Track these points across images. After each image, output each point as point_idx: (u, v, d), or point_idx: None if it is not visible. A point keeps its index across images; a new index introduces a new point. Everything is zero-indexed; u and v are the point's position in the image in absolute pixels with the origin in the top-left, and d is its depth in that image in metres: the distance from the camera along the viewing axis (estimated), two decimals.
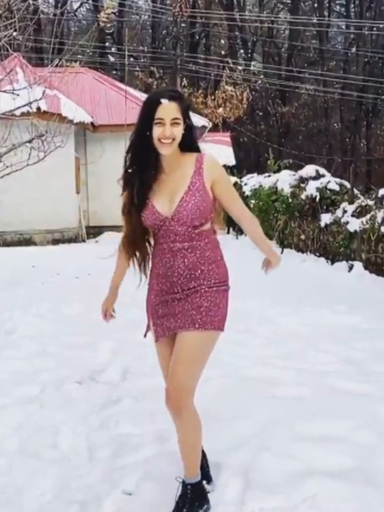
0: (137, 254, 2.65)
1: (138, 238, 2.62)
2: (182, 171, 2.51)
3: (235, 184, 16.93)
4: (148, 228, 2.58)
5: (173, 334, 2.55)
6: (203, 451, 2.82)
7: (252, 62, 35.49)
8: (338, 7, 37.29)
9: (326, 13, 34.32)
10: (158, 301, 2.59)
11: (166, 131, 2.42)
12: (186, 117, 2.51)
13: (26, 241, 15.20)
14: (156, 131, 2.43)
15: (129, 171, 2.54)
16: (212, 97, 27.16)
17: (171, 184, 2.52)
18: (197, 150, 2.58)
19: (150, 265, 2.65)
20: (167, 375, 2.57)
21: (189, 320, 2.49)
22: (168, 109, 2.41)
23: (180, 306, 2.52)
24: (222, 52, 35.45)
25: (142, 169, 2.51)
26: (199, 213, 2.48)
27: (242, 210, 2.74)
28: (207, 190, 2.51)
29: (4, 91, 7.98)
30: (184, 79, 28.25)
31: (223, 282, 2.57)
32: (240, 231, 16.37)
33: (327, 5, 35.06)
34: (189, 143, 2.55)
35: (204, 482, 2.72)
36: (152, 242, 2.64)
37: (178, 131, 2.45)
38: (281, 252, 12.54)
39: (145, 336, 2.74)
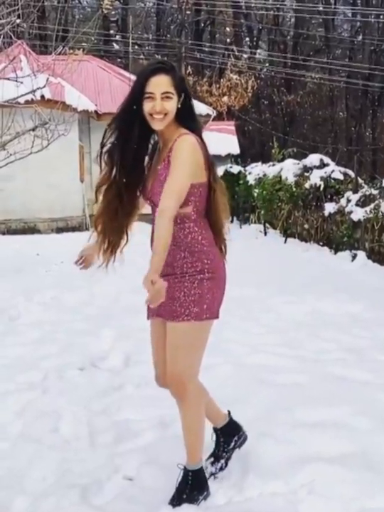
0: (109, 238, 2.53)
1: (116, 221, 2.48)
2: (167, 151, 2.43)
3: (239, 173, 16.86)
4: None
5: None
6: (239, 425, 2.90)
7: (258, 50, 35.23)
8: None
9: (332, 1, 33.99)
10: None
11: (157, 106, 2.34)
12: (182, 90, 2.41)
13: (30, 229, 15.23)
14: (147, 106, 2.36)
15: (109, 144, 2.45)
16: (217, 86, 27.00)
17: (158, 161, 2.48)
18: (193, 125, 2.46)
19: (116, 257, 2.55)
20: (153, 353, 2.66)
21: (168, 311, 2.47)
22: (157, 83, 2.34)
23: None
24: (228, 40, 35.19)
25: (125, 143, 2.43)
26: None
27: (162, 198, 2.32)
28: None
29: (8, 78, 7.97)
30: (189, 67, 28.09)
31: (199, 271, 2.44)
32: (244, 220, 16.35)
33: None
34: (187, 116, 2.45)
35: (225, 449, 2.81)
36: (129, 232, 2.55)
37: (171, 105, 2.37)
38: (285, 242, 12.55)
39: None
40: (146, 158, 2.54)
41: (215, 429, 2.85)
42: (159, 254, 2.23)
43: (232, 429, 2.87)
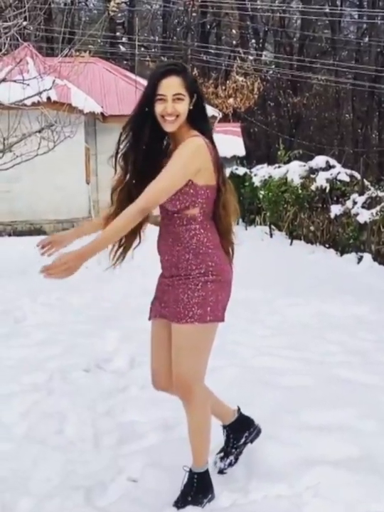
0: (122, 239, 2.50)
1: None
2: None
3: (245, 175, 16.85)
4: None
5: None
6: (250, 420, 2.88)
7: (264, 52, 35.23)
8: None
9: (338, 3, 33.97)
10: (159, 281, 2.60)
11: (168, 108, 2.33)
12: (194, 91, 2.40)
13: (36, 230, 15.23)
14: (159, 108, 2.35)
15: (123, 146, 2.45)
16: (223, 87, 27.02)
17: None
18: (205, 126, 2.45)
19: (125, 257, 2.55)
20: (152, 354, 2.64)
21: (172, 312, 2.47)
22: (169, 85, 2.33)
23: (167, 295, 2.51)
24: (234, 42, 35.21)
25: (136, 145, 2.43)
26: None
27: (139, 197, 2.32)
28: None
29: (14, 81, 7.99)
30: (195, 69, 28.12)
31: (204, 273, 2.42)
32: (249, 222, 16.34)
33: None
34: (199, 118, 2.43)
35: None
36: (142, 236, 2.56)
37: (182, 106, 2.35)
38: (291, 244, 12.52)
39: None
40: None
41: (224, 426, 2.85)
42: (95, 243, 2.24)
43: (241, 425, 2.86)
